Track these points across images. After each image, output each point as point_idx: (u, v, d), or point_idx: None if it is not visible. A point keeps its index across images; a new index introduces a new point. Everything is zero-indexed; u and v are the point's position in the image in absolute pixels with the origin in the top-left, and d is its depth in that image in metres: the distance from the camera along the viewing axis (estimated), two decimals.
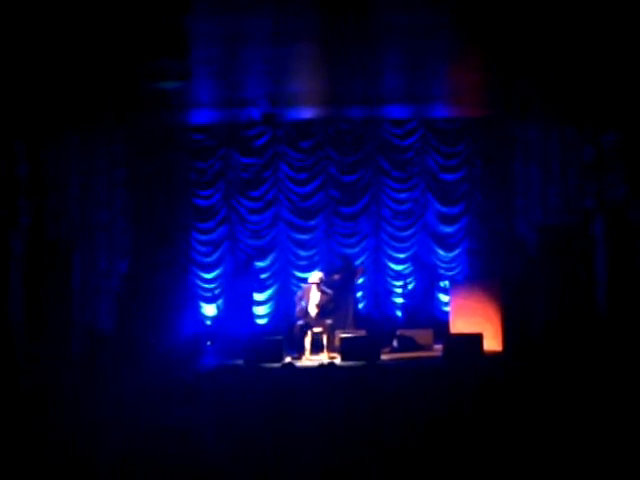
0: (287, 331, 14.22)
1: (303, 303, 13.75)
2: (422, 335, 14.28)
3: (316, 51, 10.72)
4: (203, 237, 16.22)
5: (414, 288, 16.18)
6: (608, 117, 13.02)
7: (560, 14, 8.82)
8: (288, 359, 13.02)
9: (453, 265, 16.30)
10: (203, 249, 16.22)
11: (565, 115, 13.89)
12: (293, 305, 14.19)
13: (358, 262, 16.09)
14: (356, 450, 5.41)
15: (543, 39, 9.51)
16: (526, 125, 15.51)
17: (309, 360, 13.30)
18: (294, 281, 16.13)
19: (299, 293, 14.22)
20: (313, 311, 13.65)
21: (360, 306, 15.91)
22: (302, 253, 16.32)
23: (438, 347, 13.68)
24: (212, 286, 16.13)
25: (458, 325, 13.97)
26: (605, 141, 13.53)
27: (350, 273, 15.37)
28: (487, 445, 5.54)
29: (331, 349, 13.53)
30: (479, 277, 15.65)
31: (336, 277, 14.91)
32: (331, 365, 12.18)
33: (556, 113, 13.82)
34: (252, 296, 16.00)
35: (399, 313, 16.06)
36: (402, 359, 13.44)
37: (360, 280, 15.96)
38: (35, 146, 13.30)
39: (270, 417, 6.10)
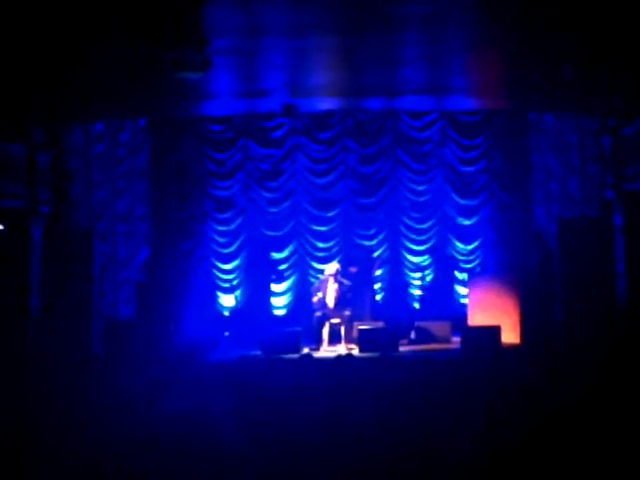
0: (305, 322, 14.24)
1: (320, 294, 13.77)
2: (440, 327, 14.26)
3: (335, 42, 10.70)
4: (221, 228, 16.25)
5: (432, 280, 16.16)
6: (629, 108, 12.94)
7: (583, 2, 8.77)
8: (306, 350, 13.04)
9: (471, 257, 16.26)
10: (222, 240, 16.24)
11: (585, 106, 13.81)
12: (311, 296, 14.20)
13: (376, 254, 16.09)
14: (373, 441, 5.40)
15: (565, 28, 9.45)
16: (545, 117, 15.45)
17: (327, 351, 13.32)
18: (312, 272, 16.13)
19: (316, 284, 14.25)
20: (331, 302, 13.67)
21: (378, 298, 15.91)
22: (320, 245, 16.32)
23: (456, 339, 13.67)
24: (230, 277, 16.16)
25: (476, 317, 13.94)
26: (625, 132, 13.46)
27: (368, 265, 15.38)
28: (505, 437, 5.52)
29: (349, 340, 13.54)
30: (498, 269, 15.61)
31: (353, 270, 14.91)
32: (349, 356, 12.18)
33: (576, 104, 13.75)
34: (270, 287, 16.04)
35: (417, 305, 16.04)
36: (420, 351, 13.43)
37: (378, 272, 15.96)
38: (56, 135, 13.37)
39: (287, 408, 6.11)
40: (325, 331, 13.66)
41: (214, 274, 16.17)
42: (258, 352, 13.23)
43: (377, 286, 15.92)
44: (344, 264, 14.96)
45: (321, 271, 15.24)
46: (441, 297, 15.91)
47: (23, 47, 9.22)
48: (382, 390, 7.11)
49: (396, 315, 15.16)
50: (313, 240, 16.33)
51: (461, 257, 16.24)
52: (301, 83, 13.14)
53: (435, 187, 16.30)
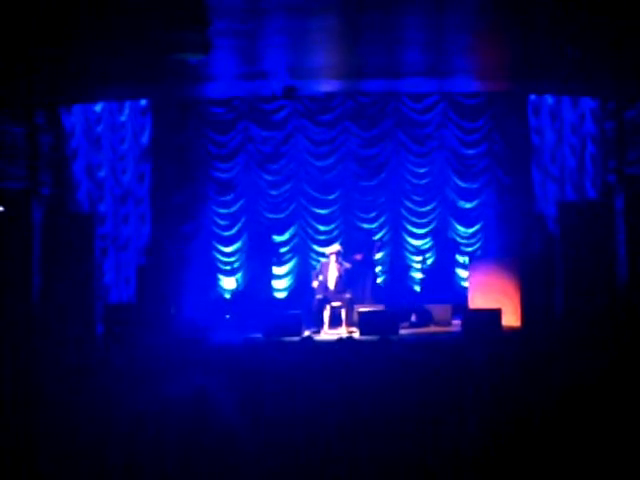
0: (306, 305, 14.25)
1: (321, 277, 13.77)
2: (440, 310, 14.28)
3: (337, 23, 10.64)
4: (222, 210, 16.24)
5: (433, 263, 16.16)
6: (631, 92, 12.89)
7: None
8: (307, 333, 13.04)
9: (472, 240, 16.26)
10: (222, 222, 16.24)
11: (587, 89, 13.76)
12: (312, 279, 14.21)
13: (377, 237, 16.08)
14: (374, 424, 5.40)
15: (567, 8, 9.39)
16: (546, 98, 15.42)
17: (328, 334, 13.32)
18: (313, 255, 16.13)
19: (317, 268, 14.26)
20: (332, 285, 13.67)
21: (379, 281, 15.91)
22: (321, 227, 16.32)
23: (457, 322, 13.69)
24: (231, 259, 16.16)
25: (477, 300, 13.95)
26: (627, 116, 13.41)
27: (368, 248, 15.37)
28: (506, 420, 5.51)
29: (349, 323, 13.55)
30: (498, 252, 15.62)
31: (358, 257, 14.89)
32: (350, 339, 12.17)
33: (577, 85, 13.70)
34: (271, 270, 16.03)
35: (418, 288, 16.05)
36: (420, 334, 13.45)
37: (379, 255, 15.95)
38: (56, 116, 13.33)
39: (288, 390, 6.11)
40: (326, 314, 13.67)
41: (215, 257, 16.18)
42: (259, 335, 13.23)
43: (378, 269, 15.92)
44: (345, 247, 14.96)
45: (322, 254, 15.24)
46: (442, 280, 15.92)
47: (23, 27, 9.17)
48: (383, 373, 7.12)
49: (397, 298, 15.18)
50: (314, 223, 16.32)
51: (462, 240, 16.24)
52: (302, 65, 13.07)
53: (436, 170, 16.30)
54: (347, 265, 13.93)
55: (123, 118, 15.08)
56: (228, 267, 16.11)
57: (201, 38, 9.16)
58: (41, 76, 11.36)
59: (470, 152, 16.20)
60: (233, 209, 16.25)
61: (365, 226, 16.18)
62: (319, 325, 13.61)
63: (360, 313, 13.38)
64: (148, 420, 2.40)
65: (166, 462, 2.13)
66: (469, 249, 16.17)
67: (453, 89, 15.64)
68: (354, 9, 9.78)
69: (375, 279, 15.52)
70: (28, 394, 6.08)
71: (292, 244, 16.32)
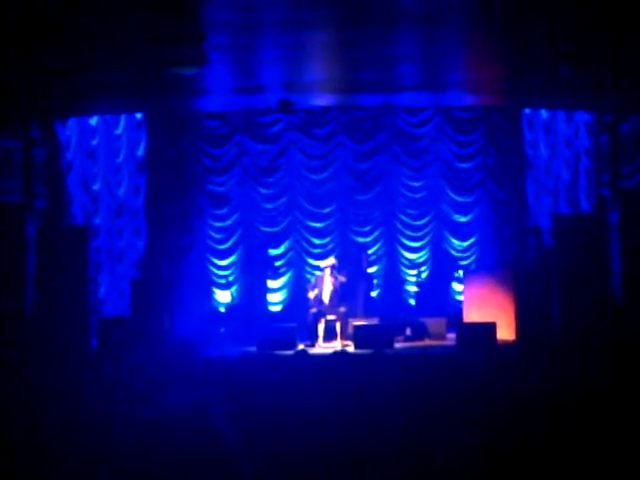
0: (301, 318, 14.23)
1: (316, 291, 13.77)
2: (435, 324, 14.27)
3: (332, 38, 10.68)
4: (217, 224, 16.24)
5: (428, 277, 16.16)
6: (624, 104, 12.94)
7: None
8: (301, 346, 13.03)
9: (467, 254, 16.27)
10: (217, 236, 16.23)
11: (582, 103, 13.81)
12: (306, 292, 14.22)
13: (371, 251, 16.08)
14: (368, 438, 5.39)
15: (561, 24, 9.45)
16: (540, 112, 15.47)
17: (322, 347, 13.31)
18: (308, 269, 16.12)
19: (312, 281, 14.26)
20: (326, 298, 13.67)
21: (374, 294, 15.90)
22: (316, 241, 16.31)
23: (451, 336, 13.69)
24: (226, 273, 16.14)
25: (472, 314, 13.95)
26: (621, 129, 13.45)
27: (356, 263, 15.34)
28: (500, 434, 5.51)
29: (344, 337, 13.54)
30: (493, 266, 15.62)
31: (343, 277, 14.85)
32: (344, 352, 12.16)
33: (571, 100, 13.75)
34: (266, 283, 16.02)
35: (412, 301, 16.04)
36: (415, 347, 13.44)
37: (374, 269, 15.95)
38: (51, 129, 13.33)
39: (283, 404, 6.10)
40: (321, 327, 13.66)
41: (210, 270, 16.16)
42: (254, 348, 13.21)
43: (375, 282, 15.91)
44: (340, 261, 14.95)
45: (317, 267, 15.24)
46: (437, 294, 15.92)
47: (18, 40, 9.19)
48: (377, 386, 7.10)
49: (392, 312, 15.16)
50: (309, 236, 16.32)
51: (457, 254, 16.25)
52: (297, 79, 13.11)
53: (431, 184, 16.32)
54: (342, 279, 13.93)
55: (118, 131, 15.10)
56: (223, 280, 16.09)
57: (196, 52, 9.19)
58: (37, 89, 11.38)
59: (465, 166, 16.23)
60: (228, 222, 16.25)
61: (360, 240, 16.19)
62: (314, 339, 13.59)
63: (355, 327, 13.37)
64: (143, 432, 2.40)
65: (161, 473, 2.13)
66: (464, 262, 16.17)
67: (448, 103, 15.69)
68: (349, 24, 9.82)
69: (368, 292, 15.51)
70: (23, 408, 6.06)
71: (287, 257, 16.32)
